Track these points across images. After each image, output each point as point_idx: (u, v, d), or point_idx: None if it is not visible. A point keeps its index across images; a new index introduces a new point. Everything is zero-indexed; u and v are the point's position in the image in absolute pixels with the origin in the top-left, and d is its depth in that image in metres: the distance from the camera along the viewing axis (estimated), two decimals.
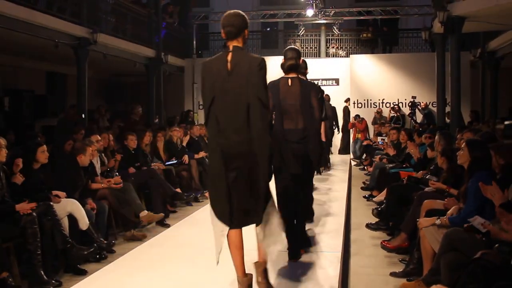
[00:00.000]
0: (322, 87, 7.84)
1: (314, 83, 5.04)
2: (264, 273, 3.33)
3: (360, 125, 14.99)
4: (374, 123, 14.94)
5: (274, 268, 4.07)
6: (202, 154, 9.67)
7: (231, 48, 3.22)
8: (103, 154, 6.91)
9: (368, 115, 15.33)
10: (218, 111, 3.17)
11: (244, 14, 3.24)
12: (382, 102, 15.64)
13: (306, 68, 5.46)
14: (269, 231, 3.26)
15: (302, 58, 4.67)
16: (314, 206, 5.79)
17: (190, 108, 16.07)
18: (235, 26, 3.21)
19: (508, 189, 3.59)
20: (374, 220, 6.36)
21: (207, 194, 8.80)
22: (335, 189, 8.44)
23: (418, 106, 14.39)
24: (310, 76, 6.14)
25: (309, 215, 5.40)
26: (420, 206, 4.84)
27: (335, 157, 13.63)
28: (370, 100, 15.75)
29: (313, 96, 4.35)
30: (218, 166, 3.17)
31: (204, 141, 10.48)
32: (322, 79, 15.99)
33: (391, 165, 8.17)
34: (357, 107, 15.74)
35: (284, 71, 4.42)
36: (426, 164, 6.66)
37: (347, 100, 15.70)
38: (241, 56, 3.18)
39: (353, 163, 14.39)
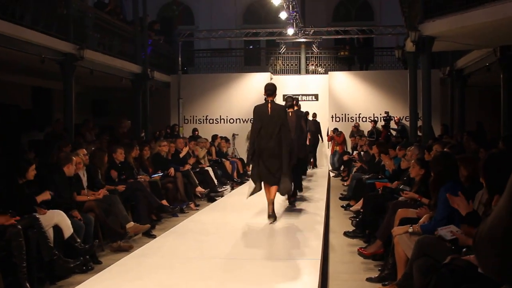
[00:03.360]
0: (302, 102, 9.21)
1: (302, 112, 8.80)
2: (272, 205, 6.40)
3: (339, 138, 15.17)
4: (351, 136, 15.12)
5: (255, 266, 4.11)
6: (187, 166, 9.69)
7: (270, 100, 6.42)
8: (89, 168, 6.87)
9: (346, 129, 15.52)
10: (263, 131, 6.29)
11: (274, 84, 6.65)
12: (359, 117, 15.88)
13: (298, 104, 8.58)
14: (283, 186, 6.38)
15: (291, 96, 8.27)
16: (297, 213, 6.60)
17: (176, 122, 16.07)
18: (272, 90, 6.48)
19: (473, 200, 3.70)
20: (351, 228, 6.43)
21: (192, 206, 8.90)
22: (315, 199, 8.51)
23: (393, 120, 14.60)
24: (291, 92, 10.17)
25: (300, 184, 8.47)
26: (394, 214, 4.92)
27: (313, 170, 13.74)
28: (348, 114, 15.98)
29: (302, 121, 8.27)
30: (260, 159, 6.30)
31: (189, 153, 10.51)
32: (302, 95, 16.16)
33: (367, 176, 8.28)
34: (335, 121, 15.94)
35: (286, 107, 7.50)
36: (400, 175, 6.77)
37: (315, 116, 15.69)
38: (275, 105, 6.42)
39: (331, 174, 14.52)
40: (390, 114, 14.46)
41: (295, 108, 8.25)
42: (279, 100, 7.14)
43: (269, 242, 5.65)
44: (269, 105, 6.42)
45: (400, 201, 5.37)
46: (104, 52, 12.09)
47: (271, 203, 6.37)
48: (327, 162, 15.90)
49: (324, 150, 16.20)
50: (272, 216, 6.36)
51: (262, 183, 6.38)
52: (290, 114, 7.69)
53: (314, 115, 14.92)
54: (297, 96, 15.80)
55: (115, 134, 12.23)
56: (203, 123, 16.43)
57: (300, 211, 7.45)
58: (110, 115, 16.31)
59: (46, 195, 5.24)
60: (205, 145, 12.00)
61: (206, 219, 6.99)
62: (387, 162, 7.60)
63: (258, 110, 6.42)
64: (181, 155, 10.09)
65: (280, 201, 7.48)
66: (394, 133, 14.51)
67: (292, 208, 7.60)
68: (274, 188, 6.34)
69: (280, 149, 6.29)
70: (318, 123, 15.18)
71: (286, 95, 15.40)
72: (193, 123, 16.38)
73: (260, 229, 6.27)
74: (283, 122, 6.34)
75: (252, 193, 6.56)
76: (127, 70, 13.37)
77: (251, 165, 6.54)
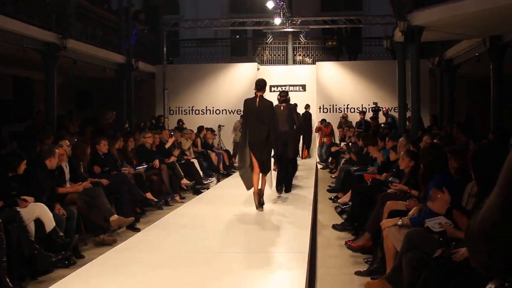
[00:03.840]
0: (290, 93, 9.12)
1: (293, 106, 9.34)
2: (262, 193, 6.92)
3: (326, 129, 15.15)
4: (339, 127, 15.11)
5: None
6: (172, 158, 9.62)
7: (259, 95, 6.98)
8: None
9: (333, 120, 15.51)
10: (251, 123, 6.90)
11: (265, 80, 7.30)
12: (347, 107, 15.87)
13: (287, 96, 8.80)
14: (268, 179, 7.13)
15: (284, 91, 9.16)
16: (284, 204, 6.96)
17: (161, 113, 15.94)
18: (261, 85, 7.07)
19: (462, 192, 3.68)
20: (340, 220, 6.42)
21: (177, 198, 8.84)
22: (302, 192, 8.52)
23: (382, 111, 14.60)
24: (278, 82, 13.27)
25: (290, 184, 8.63)
26: (383, 207, 4.90)
27: (301, 162, 13.73)
28: (336, 105, 15.96)
29: (294, 115, 8.85)
30: (249, 147, 6.87)
31: (174, 144, 10.44)
32: (290, 85, 16.11)
33: (355, 168, 8.27)
34: (323, 112, 15.92)
35: (279, 102, 8.45)
36: (389, 167, 6.77)
37: (308, 107, 15.74)
38: (263, 100, 6.98)
39: (319, 166, 14.53)
40: (378, 105, 14.45)
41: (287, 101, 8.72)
42: (266, 91, 7.47)
43: (256, 235, 5.61)
44: (258, 99, 6.98)
45: (389, 193, 5.36)
46: (88, 42, 11.88)
47: (258, 193, 6.82)
48: (315, 154, 15.92)
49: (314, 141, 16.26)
50: (260, 207, 6.82)
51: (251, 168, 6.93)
52: (282, 108, 8.33)
53: (307, 106, 15.18)
54: (284, 87, 16.11)
55: (99, 126, 12.09)
56: (189, 114, 16.31)
57: (287, 204, 7.45)
58: (93, 106, 16.12)
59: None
60: (191, 137, 11.93)
61: (192, 212, 6.96)
62: (375, 154, 7.60)
63: (247, 103, 7.04)
64: (166, 147, 10.01)
65: (267, 193, 7.46)
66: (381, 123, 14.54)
67: (279, 201, 7.62)
68: (263, 177, 6.94)
69: (267, 141, 6.89)
70: (310, 114, 15.41)
71: (275, 86, 15.81)
72: (178, 114, 16.26)
73: (246, 222, 6.25)
74: (269, 116, 6.94)
75: (248, 187, 7.04)
76: (111, 60, 13.18)
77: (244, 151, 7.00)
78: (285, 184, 8.40)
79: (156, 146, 9.70)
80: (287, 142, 8.27)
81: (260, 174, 6.90)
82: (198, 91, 16.34)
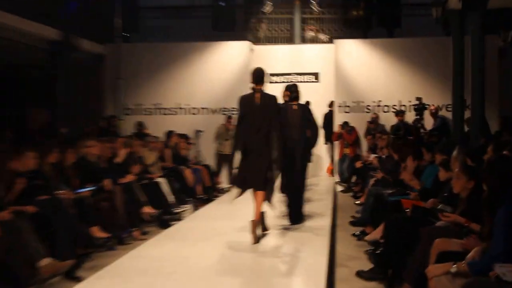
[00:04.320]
0: (297, 84, 9.22)
1: (308, 107, 9.42)
2: (256, 225, 7.32)
3: (349, 137, 15.18)
4: (367, 133, 15.11)
5: None
6: (130, 177, 9.57)
7: (258, 89, 7.52)
8: None
9: (359, 123, 15.57)
10: (249, 125, 7.47)
11: (264, 70, 7.69)
12: (379, 105, 15.95)
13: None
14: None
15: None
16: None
17: (114, 113, 15.92)
18: (261, 77, 7.53)
19: None
20: (367, 266, 6.40)
21: (137, 234, 8.81)
22: (315, 225, 8.52)
23: (429, 110, 14.60)
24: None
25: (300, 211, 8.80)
26: (429, 247, 4.91)
27: (316, 180, 13.74)
28: (362, 102, 16.02)
29: (310, 115, 8.88)
30: (245, 155, 7.53)
31: (134, 158, 10.40)
32: (296, 74, 16.18)
33: (390, 191, 8.27)
34: (344, 112, 15.97)
35: (288, 99, 8.80)
36: (438, 189, 6.77)
37: (331, 104, 15.88)
38: (264, 95, 7.52)
39: (338, 188, 14.50)
40: (424, 101, 14.46)
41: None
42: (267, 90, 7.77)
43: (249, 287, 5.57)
44: (257, 94, 7.49)
45: (438, 227, 5.37)
46: (6, 9, 11.82)
47: (255, 232, 7.26)
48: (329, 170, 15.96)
49: (323, 152, 16.36)
50: (256, 242, 7.24)
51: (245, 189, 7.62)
52: (294, 107, 8.68)
53: (331, 104, 15.64)
54: (288, 76, 16.12)
55: (23, 130, 12.04)
56: (153, 114, 16.36)
57: (294, 242, 7.46)
58: (17, 102, 16.04)
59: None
60: (156, 147, 11.94)
61: (157, 253, 6.94)
62: (408, 178, 7.65)
63: (244, 101, 7.59)
64: (119, 160, 9.96)
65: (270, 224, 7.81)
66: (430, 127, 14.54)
67: (283, 237, 7.70)
68: (260, 196, 7.45)
69: (269, 148, 7.41)
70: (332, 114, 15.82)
71: (276, 75, 15.83)
72: (138, 114, 16.28)
73: (235, 267, 6.24)
74: (273, 116, 7.45)
75: (235, 197, 7.81)
76: (41, 37, 13.15)
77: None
78: (293, 212, 8.61)
79: (107, 160, 9.67)
80: (301, 152, 8.59)
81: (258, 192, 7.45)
82: (166, 81, 16.37)
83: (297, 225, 8.45)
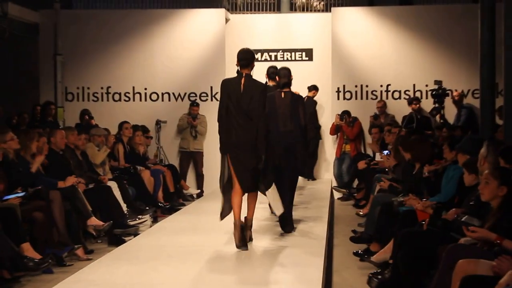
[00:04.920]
0: (285, 64, 10.44)
1: (301, 96, 10.47)
2: (250, 225, 8.17)
3: (350, 130, 15.15)
4: (372, 126, 15.07)
5: None
6: (71, 180, 9.49)
7: (244, 74, 8.01)
8: None
9: (363, 113, 15.62)
10: (232, 116, 7.94)
11: (253, 52, 8.40)
12: (387, 91, 15.97)
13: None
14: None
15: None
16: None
17: (51, 98, 15.77)
18: (247, 59, 8.08)
19: None
20: None
21: (80, 252, 8.76)
22: (307, 242, 8.52)
23: (451, 96, 14.60)
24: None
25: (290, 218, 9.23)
26: (451, 269, 4.90)
27: (306, 185, 13.75)
28: (367, 86, 16.03)
29: (300, 108, 9.37)
30: (232, 153, 8.02)
31: (76, 155, 10.32)
32: (283, 51, 16.10)
33: (401, 199, 8.27)
34: (344, 98, 16.00)
35: (277, 86, 9.59)
36: (462, 197, 6.77)
37: (313, 89, 15.79)
38: (250, 81, 8.00)
39: (336, 195, 14.50)
40: (444, 86, 14.48)
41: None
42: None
43: None
44: (243, 80, 7.99)
45: (462, 244, 5.38)
46: None
47: (239, 227, 7.86)
48: (328, 171, 15.98)
49: (324, 151, 16.35)
50: (244, 246, 7.86)
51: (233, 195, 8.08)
52: (283, 96, 9.26)
53: (312, 88, 15.55)
54: (275, 54, 16.06)
55: None
56: (102, 100, 16.27)
57: (282, 262, 7.45)
58: None
59: None
60: (104, 141, 11.88)
61: (106, 278, 6.86)
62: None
63: (227, 86, 8.12)
64: (33, 168, 9.76)
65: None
66: (452, 118, 14.54)
67: (264, 261, 7.69)
68: (253, 197, 8.16)
69: (254, 140, 7.90)
70: (315, 103, 15.70)
71: (259, 51, 15.71)
72: (82, 100, 16.21)
73: None
74: (259, 105, 7.93)
75: (222, 214, 8.33)
76: None
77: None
78: (284, 219, 9.00)
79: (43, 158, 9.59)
80: (292, 148, 9.09)
81: (246, 194, 8.06)
82: (118, 59, 16.31)
83: (282, 240, 8.52)
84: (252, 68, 8.13)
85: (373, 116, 15.31)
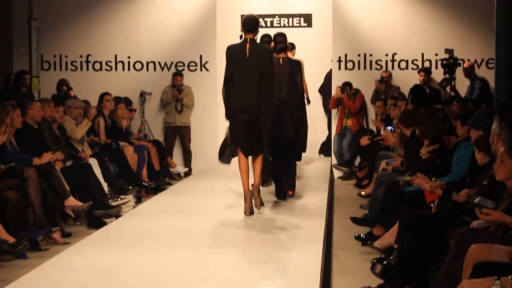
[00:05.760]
0: (282, 30, 10.70)
1: (299, 62, 10.83)
2: (258, 191, 8.83)
3: (352, 103, 15.12)
4: (375, 98, 15.10)
5: None
6: (48, 156, 9.46)
7: (248, 39, 8.74)
8: None
9: (366, 84, 15.60)
10: (238, 82, 8.75)
11: (257, 16, 9.10)
12: (393, 60, 15.94)
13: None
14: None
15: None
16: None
17: (26, 67, 15.71)
18: (251, 24, 8.79)
19: None
20: (375, 281, 6.45)
21: (57, 236, 8.75)
22: (304, 225, 8.53)
23: (466, 66, 14.54)
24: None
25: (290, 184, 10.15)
26: (463, 255, 4.90)
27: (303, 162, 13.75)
28: (371, 55, 15.99)
29: (298, 75, 10.20)
30: (235, 117, 8.82)
31: (53, 130, 10.30)
32: (280, 16, 16.04)
33: (407, 178, 8.26)
34: (346, 68, 15.96)
35: (275, 52, 9.82)
36: (474, 176, 6.77)
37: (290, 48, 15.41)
38: (255, 46, 8.82)
39: (336, 173, 14.51)
40: (456, 55, 14.46)
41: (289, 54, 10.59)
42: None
43: None
44: (248, 45, 8.72)
45: (474, 228, 5.38)
46: None
47: (250, 197, 8.74)
48: (322, 147, 15.99)
49: (320, 126, 16.33)
50: (251, 213, 8.77)
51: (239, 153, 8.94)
52: (281, 62, 9.80)
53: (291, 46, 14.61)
54: (271, 19, 16.00)
55: None
56: (81, 69, 16.24)
57: (278, 247, 7.47)
58: None
59: None
60: (82, 114, 11.87)
61: (86, 263, 6.86)
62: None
63: (232, 52, 8.87)
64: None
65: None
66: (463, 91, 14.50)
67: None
68: (259, 161, 8.95)
69: (262, 107, 8.71)
70: (298, 65, 15.05)
71: (253, 16, 15.61)
72: (59, 69, 16.18)
73: (197, 281, 6.21)
74: (266, 70, 8.74)
75: (226, 156, 9.24)
76: None
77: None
78: (278, 185, 9.95)
79: (15, 133, 9.57)
80: (286, 115, 9.72)
81: (249, 158, 8.97)
82: (99, 25, 16.24)
83: (277, 222, 8.60)
84: (256, 34, 8.91)
85: (379, 80, 15.27)
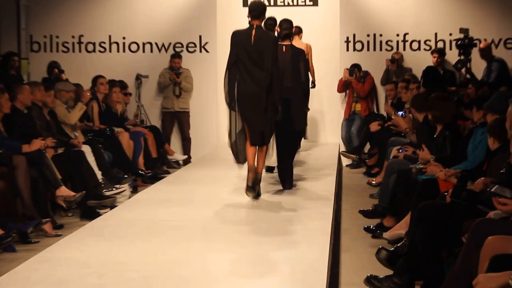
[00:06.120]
0: (286, 9, 11.60)
1: (302, 50, 11.00)
2: (259, 180, 9.37)
3: (361, 87, 15.11)
4: (385, 81, 15.09)
5: None
6: (38, 143, 9.47)
7: (254, 26, 9.12)
8: None
9: (375, 66, 15.63)
10: (242, 68, 9.09)
11: (264, 3, 9.70)
12: (404, 40, 15.95)
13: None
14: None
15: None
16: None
17: (14, 48, 15.71)
18: (258, 11, 9.18)
19: None
20: (383, 271, 6.46)
21: (47, 228, 8.75)
22: (310, 216, 8.55)
23: (481, 47, 14.51)
24: None
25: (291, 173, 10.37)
26: (479, 247, 4.89)
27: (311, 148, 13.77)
28: (380, 35, 16.03)
29: (301, 62, 10.38)
30: (238, 105, 9.15)
31: (43, 115, 10.30)
32: None
33: (420, 166, 8.25)
34: (354, 49, 16.00)
35: (279, 39, 10.10)
36: (490, 164, 6.75)
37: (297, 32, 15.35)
38: (261, 33, 9.19)
39: (345, 161, 14.50)
40: (471, 35, 14.42)
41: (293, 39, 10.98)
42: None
43: None
44: (253, 31, 9.08)
45: (491, 219, 5.37)
46: None
47: (253, 170, 9.04)
48: (335, 134, 15.97)
49: (327, 111, 16.33)
50: (253, 190, 9.03)
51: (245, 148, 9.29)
52: (284, 49, 10.08)
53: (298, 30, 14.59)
54: None
55: None
56: (73, 51, 16.28)
57: (283, 240, 7.48)
58: None
59: None
60: (72, 97, 11.88)
61: (78, 256, 6.86)
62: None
63: (237, 37, 9.19)
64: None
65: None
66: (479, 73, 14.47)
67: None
68: (260, 151, 9.24)
69: (267, 95, 9.04)
70: (301, 52, 15.05)
71: (260, 2, 15.52)
72: (50, 51, 16.22)
73: (196, 272, 6.22)
74: (272, 56, 9.02)
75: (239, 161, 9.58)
76: None
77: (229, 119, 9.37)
78: (283, 174, 10.22)
79: (3, 118, 9.55)
80: (290, 104, 9.87)
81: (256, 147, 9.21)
82: (92, 3, 16.28)
83: (281, 215, 8.63)
84: (262, 20, 9.40)
85: (390, 60, 15.28)
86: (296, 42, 11.73)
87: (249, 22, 9.21)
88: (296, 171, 10.70)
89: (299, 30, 13.54)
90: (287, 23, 10.53)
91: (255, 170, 9.08)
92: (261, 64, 9.05)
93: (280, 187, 10.10)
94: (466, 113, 9.50)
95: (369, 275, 6.38)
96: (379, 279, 6.27)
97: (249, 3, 9.63)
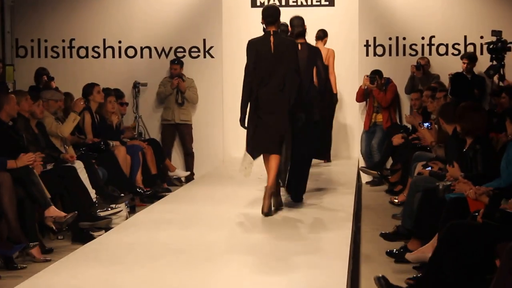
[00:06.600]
0: (300, 10, 11.85)
1: (318, 48, 11.48)
2: (274, 193, 9.63)
3: (382, 95, 15.12)
4: (409, 89, 15.08)
5: None
6: (25, 158, 9.47)
7: (271, 32, 9.54)
8: None
9: (398, 73, 15.62)
10: (262, 78, 9.48)
11: (278, 7, 10.52)
12: (430, 44, 15.95)
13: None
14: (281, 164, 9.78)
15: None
16: None
17: None
18: (273, 16, 9.61)
19: None
20: None
21: (35, 252, 8.77)
22: (327, 239, 8.55)
23: None
24: None
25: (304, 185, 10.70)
26: None
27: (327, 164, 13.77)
28: (403, 39, 16.04)
29: (318, 61, 10.81)
30: (258, 116, 9.62)
31: (31, 127, 10.33)
32: None
33: (447, 183, 8.24)
34: (375, 53, 16.02)
35: (296, 35, 10.64)
36: None
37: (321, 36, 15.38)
38: (280, 40, 9.63)
39: (365, 178, 14.49)
40: (504, 38, 14.42)
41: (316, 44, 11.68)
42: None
43: None
44: (272, 38, 9.46)
45: None
46: None
47: (269, 191, 9.35)
48: (354, 149, 15.99)
49: (345, 123, 16.32)
50: (269, 213, 9.40)
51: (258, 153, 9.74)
52: (299, 48, 10.31)
53: (323, 34, 14.85)
54: None
55: None
56: (63, 56, 16.34)
57: (295, 264, 7.48)
58: None
59: None
60: (61, 107, 11.98)
61: (69, 283, 6.88)
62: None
63: (255, 47, 9.49)
64: None
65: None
66: None
67: (278, 256, 7.81)
68: (274, 160, 9.48)
69: (286, 103, 9.47)
70: (317, 52, 14.96)
71: (274, 6, 15.54)
72: (38, 56, 16.27)
73: None
74: (293, 65, 9.49)
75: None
76: None
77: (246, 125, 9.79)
78: (294, 185, 10.41)
79: None
80: (311, 103, 10.51)
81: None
82: (85, 4, 16.35)
83: (294, 237, 8.62)
84: (279, 26, 9.78)
85: (416, 66, 15.23)
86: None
87: (264, 29, 9.59)
88: (309, 188, 10.73)
89: (323, 34, 14.30)
90: (298, 19, 10.91)
91: (271, 193, 9.37)
92: (283, 73, 9.40)
93: (291, 203, 10.17)
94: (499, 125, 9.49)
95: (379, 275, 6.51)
96: None
97: (262, 9, 9.89)
